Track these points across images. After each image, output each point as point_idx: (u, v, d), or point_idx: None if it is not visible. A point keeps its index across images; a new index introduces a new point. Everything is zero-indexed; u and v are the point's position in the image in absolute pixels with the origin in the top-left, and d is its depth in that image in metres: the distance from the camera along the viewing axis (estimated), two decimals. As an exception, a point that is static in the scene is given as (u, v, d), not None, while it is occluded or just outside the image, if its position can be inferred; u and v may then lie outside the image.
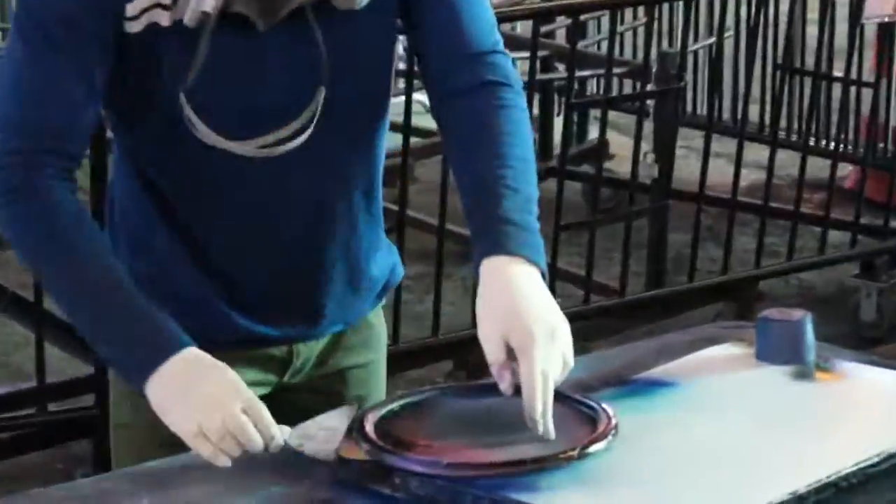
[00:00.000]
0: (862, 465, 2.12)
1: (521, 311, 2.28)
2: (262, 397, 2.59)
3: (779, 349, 2.48)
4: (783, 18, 6.58)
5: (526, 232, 2.38)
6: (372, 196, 2.62)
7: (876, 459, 2.14)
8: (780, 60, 6.63)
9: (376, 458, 2.13)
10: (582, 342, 5.42)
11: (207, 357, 2.27)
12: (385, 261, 2.75)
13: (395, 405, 2.29)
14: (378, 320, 2.81)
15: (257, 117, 2.36)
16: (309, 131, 2.37)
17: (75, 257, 2.31)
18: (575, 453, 2.11)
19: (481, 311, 2.35)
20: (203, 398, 2.20)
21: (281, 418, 2.29)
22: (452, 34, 2.50)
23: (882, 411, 2.33)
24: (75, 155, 2.36)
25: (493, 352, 2.28)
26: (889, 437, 2.19)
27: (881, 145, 6.47)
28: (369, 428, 2.20)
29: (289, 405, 2.52)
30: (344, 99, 2.40)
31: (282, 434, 2.23)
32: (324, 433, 2.21)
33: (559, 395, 2.30)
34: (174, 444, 2.30)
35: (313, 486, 2.15)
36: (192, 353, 2.26)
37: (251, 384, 2.49)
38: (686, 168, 6.01)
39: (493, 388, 2.40)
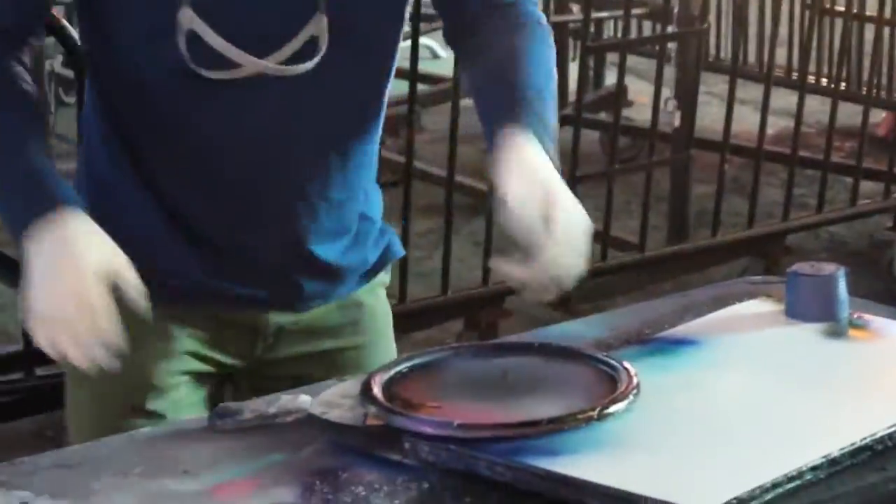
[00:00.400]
0: (887, 432, 2.13)
1: (559, 195, 2.35)
2: (228, 375, 2.68)
3: (810, 306, 2.48)
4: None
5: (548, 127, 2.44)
6: (368, 163, 2.67)
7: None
8: (808, 0, 6.61)
9: (386, 422, 2.14)
10: (599, 300, 5.48)
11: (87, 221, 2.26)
12: (379, 239, 2.74)
13: (403, 367, 2.29)
14: (373, 299, 2.79)
15: (259, 30, 2.37)
16: (316, 59, 2.38)
17: None
18: (594, 414, 2.11)
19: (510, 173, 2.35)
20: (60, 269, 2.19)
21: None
22: None
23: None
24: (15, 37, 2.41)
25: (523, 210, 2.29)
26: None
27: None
28: (376, 390, 2.20)
29: (258, 390, 2.50)
30: (348, 25, 2.41)
31: (304, 402, 2.25)
32: (349, 401, 2.21)
33: (577, 354, 2.31)
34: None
35: (315, 454, 2.15)
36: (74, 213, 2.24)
37: (212, 354, 2.61)
38: (709, 115, 6.01)
39: (506, 348, 2.42)
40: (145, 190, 2.49)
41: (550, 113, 2.47)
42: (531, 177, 2.33)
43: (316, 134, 2.51)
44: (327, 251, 2.60)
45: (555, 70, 2.56)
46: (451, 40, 2.70)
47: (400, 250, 2.81)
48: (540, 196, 2.30)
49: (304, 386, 2.39)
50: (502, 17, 2.56)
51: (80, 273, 2.16)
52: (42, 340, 2.16)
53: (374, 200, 2.72)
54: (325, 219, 2.58)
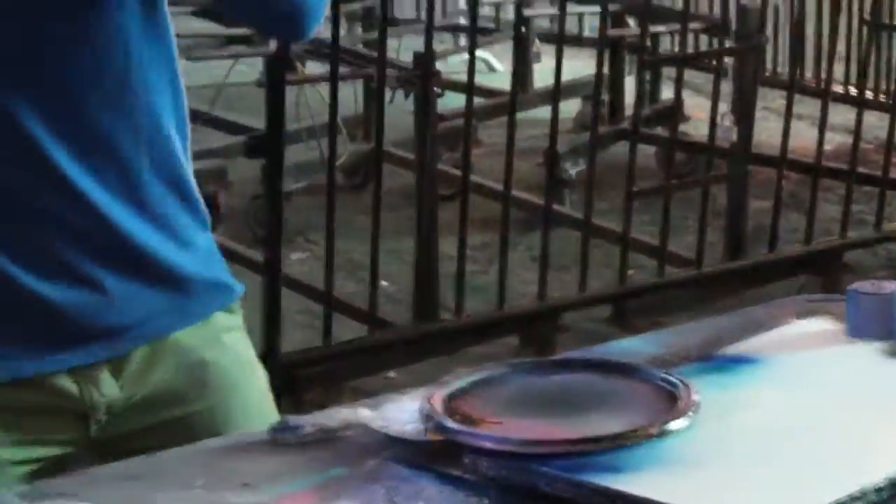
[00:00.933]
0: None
1: None
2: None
3: (870, 324, 2.47)
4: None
5: None
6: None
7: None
8: (867, 16, 6.60)
9: (447, 437, 2.16)
10: (656, 316, 5.48)
11: None
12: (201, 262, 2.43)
13: (463, 383, 2.30)
14: (216, 352, 2.49)
15: None
16: None
17: None
18: (655, 430, 2.11)
19: None
20: None
21: None
22: None
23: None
24: None
25: None
26: None
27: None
28: (437, 406, 2.21)
29: None
30: None
31: (364, 416, 2.26)
32: (410, 416, 2.23)
33: (636, 370, 2.32)
34: None
35: (376, 468, 2.16)
36: None
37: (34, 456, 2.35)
38: (766, 131, 6.00)
39: (565, 365, 2.42)
40: None
41: None
42: None
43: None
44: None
45: None
46: None
47: (237, 289, 2.49)
48: None
49: (364, 400, 2.41)
50: None
51: None
52: None
53: None
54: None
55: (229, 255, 2.68)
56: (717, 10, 6.71)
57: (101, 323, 2.31)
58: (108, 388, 2.36)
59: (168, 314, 2.39)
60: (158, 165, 2.32)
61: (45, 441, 2.37)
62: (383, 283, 5.24)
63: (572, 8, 6.22)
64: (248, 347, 2.56)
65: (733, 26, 6.05)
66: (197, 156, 2.60)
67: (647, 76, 6.50)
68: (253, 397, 2.57)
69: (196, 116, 2.40)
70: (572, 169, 6.36)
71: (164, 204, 2.34)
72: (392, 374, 5.22)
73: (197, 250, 2.41)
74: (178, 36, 2.33)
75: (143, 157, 2.30)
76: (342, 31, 5.27)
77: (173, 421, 2.44)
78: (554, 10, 6.28)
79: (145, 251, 2.32)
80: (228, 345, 2.51)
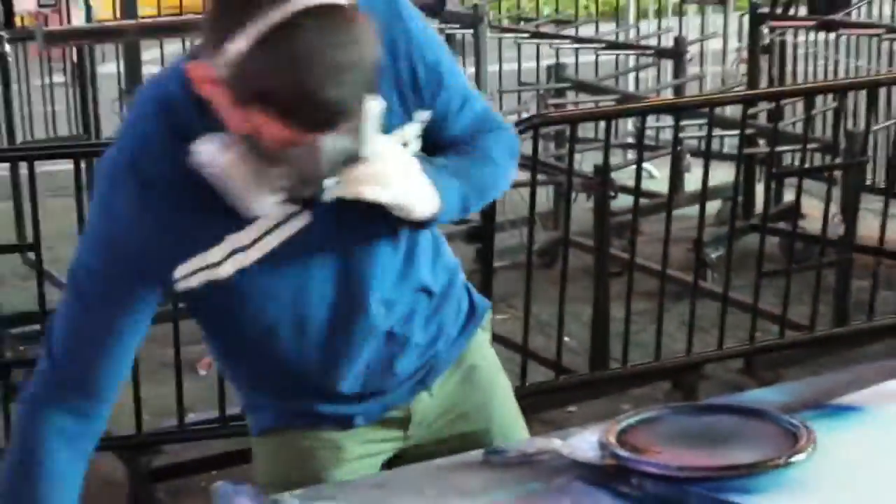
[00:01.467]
0: None
1: None
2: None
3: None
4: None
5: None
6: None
7: None
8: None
9: (619, 463, 2.14)
10: (779, 369, 5.42)
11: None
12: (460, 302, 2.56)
13: (632, 420, 2.29)
14: (480, 359, 2.60)
15: None
16: None
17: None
18: (781, 461, 2.10)
19: None
20: None
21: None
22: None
23: None
24: (84, 403, 2.25)
25: None
26: None
27: None
28: (612, 438, 2.20)
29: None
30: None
31: (556, 444, 2.25)
32: (591, 444, 2.22)
33: (766, 414, 2.29)
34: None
35: (564, 485, 2.16)
36: None
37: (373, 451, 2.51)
38: (867, 227, 5.88)
39: (710, 408, 2.40)
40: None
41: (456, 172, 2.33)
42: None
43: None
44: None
45: (490, 156, 2.42)
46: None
47: (484, 303, 2.63)
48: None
49: (554, 432, 2.39)
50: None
51: None
52: None
53: (437, 274, 2.47)
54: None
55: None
56: (829, 133, 6.60)
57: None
58: (425, 402, 2.51)
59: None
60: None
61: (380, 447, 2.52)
62: (566, 338, 5.23)
63: (716, 131, 6.19)
64: (494, 354, 2.67)
65: (843, 146, 5.96)
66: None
67: (773, 184, 6.41)
68: (505, 393, 2.67)
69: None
70: (714, 254, 6.31)
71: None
72: (572, 408, 5.21)
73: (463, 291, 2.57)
74: None
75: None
76: (539, 148, 5.28)
77: (456, 419, 2.55)
78: (702, 133, 6.22)
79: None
80: (485, 352, 2.62)
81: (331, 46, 1.89)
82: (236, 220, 2.11)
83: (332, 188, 2.06)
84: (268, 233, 2.17)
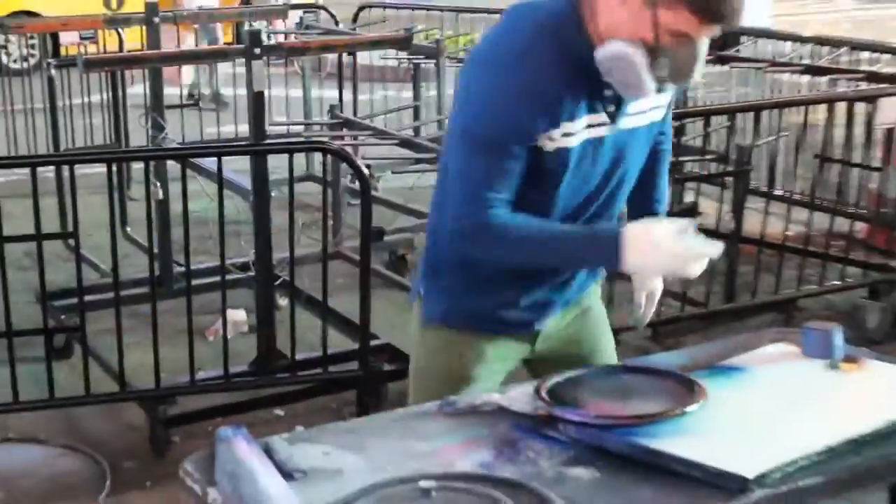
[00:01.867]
0: (874, 429, 2.09)
1: None
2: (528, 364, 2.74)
3: (817, 349, 2.45)
4: (820, 124, 6.46)
5: None
6: None
7: (884, 425, 2.11)
8: (818, 152, 6.51)
9: (549, 413, 2.15)
10: (678, 338, 5.43)
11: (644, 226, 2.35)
12: None
13: (559, 378, 2.30)
14: (594, 301, 2.79)
15: None
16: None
17: (523, 236, 2.36)
18: (678, 411, 2.11)
19: None
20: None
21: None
22: None
23: (885, 392, 2.30)
24: (506, 203, 2.37)
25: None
26: (890, 411, 2.16)
27: (884, 210, 6.32)
28: (543, 393, 2.21)
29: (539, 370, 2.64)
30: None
31: (497, 398, 2.25)
32: (526, 398, 2.23)
33: (669, 373, 2.30)
34: (456, 382, 2.51)
35: (504, 431, 2.16)
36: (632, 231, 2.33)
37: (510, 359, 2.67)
38: (751, 223, 5.91)
39: (623, 369, 2.41)
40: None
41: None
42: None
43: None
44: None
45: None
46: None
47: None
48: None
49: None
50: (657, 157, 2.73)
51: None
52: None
53: None
54: None
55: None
56: (722, 146, 6.63)
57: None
58: (554, 324, 2.66)
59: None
60: None
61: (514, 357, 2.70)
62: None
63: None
64: (601, 301, 2.86)
65: (733, 157, 5.99)
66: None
67: (678, 188, 6.43)
68: (608, 331, 2.84)
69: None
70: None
71: None
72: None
73: None
74: None
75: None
76: None
77: (570, 343, 2.71)
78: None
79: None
80: (597, 299, 2.82)
81: None
82: (573, 113, 2.34)
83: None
84: (586, 128, 2.37)
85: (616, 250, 2.26)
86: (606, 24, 2.28)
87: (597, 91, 2.34)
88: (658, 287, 2.62)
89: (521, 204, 2.37)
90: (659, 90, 2.33)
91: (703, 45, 2.30)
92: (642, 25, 2.22)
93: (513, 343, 2.62)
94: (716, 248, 2.28)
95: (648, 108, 2.46)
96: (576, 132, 2.34)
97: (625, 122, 2.41)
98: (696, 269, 2.31)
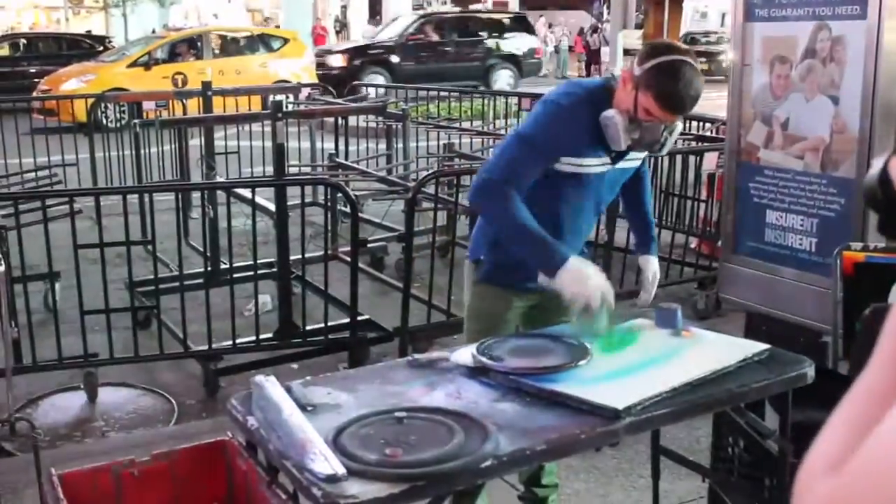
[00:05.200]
0: (702, 375, 2.09)
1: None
2: (531, 308, 2.68)
3: (665, 322, 2.45)
4: (665, 169, 6.51)
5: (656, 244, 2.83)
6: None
7: (709, 373, 2.11)
8: (663, 188, 6.55)
9: (483, 365, 2.13)
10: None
11: (583, 262, 2.32)
12: None
13: (490, 341, 2.27)
14: None
15: None
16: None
17: (516, 219, 2.33)
18: (573, 364, 2.09)
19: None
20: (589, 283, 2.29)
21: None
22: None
23: (712, 351, 2.29)
24: (522, 191, 2.38)
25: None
26: (714, 363, 2.15)
27: (709, 229, 6.37)
28: (480, 351, 2.18)
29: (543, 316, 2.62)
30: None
31: (449, 355, 2.22)
32: (469, 355, 2.21)
33: (565, 337, 2.28)
34: (496, 319, 2.56)
35: (452, 378, 2.14)
36: (574, 261, 2.31)
37: (526, 304, 2.65)
38: (620, 236, 5.93)
39: (538, 335, 2.38)
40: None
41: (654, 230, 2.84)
42: (654, 270, 2.78)
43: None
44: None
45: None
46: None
47: None
48: (654, 277, 2.78)
49: (447, 349, 2.37)
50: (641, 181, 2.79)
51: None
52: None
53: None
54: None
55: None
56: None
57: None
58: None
59: None
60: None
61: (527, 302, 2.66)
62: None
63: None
64: None
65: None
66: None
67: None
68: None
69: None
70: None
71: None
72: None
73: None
74: None
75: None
76: (440, 189, 5.13)
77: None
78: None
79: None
80: None
81: (695, 78, 2.29)
82: (585, 152, 2.43)
83: (663, 149, 2.48)
84: (591, 165, 2.46)
85: (558, 268, 2.28)
86: (617, 98, 2.39)
87: (606, 143, 2.44)
88: (657, 271, 2.74)
89: (537, 201, 2.42)
90: (630, 149, 2.44)
91: (674, 126, 2.42)
92: (629, 101, 2.35)
93: (528, 295, 2.62)
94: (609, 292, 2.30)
95: (634, 159, 2.58)
96: (586, 165, 2.45)
97: (620, 164, 2.53)
98: (599, 299, 2.30)
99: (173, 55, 15.74)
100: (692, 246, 6.58)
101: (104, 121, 11.67)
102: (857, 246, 3.35)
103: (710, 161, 6.05)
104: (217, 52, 16.21)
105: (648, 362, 2.17)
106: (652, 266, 2.79)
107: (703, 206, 6.37)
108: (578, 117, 2.39)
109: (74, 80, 14.45)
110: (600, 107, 2.40)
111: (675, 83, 2.27)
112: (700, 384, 2.07)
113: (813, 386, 2.17)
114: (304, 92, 10.31)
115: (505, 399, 2.00)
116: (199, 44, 16.11)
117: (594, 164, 2.46)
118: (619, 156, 2.50)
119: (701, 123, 7.88)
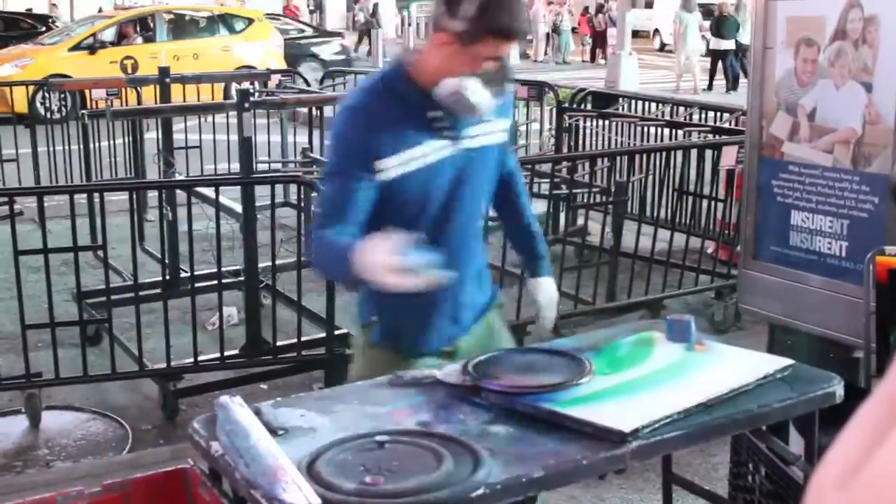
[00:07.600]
0: (719, 394, 2.12)
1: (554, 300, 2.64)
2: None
3: (677, 335, 2.47)
4: (678, 166, 6.55)
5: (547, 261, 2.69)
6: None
7: (726, 391, 2.14)
8: (676, 187, 6.60)
9: (474, 384, 2.15)
10: (573, 328, 5.47)
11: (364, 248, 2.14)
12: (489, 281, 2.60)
13: (484, 357, 2.30)
14: (494, 320, 2.60)
15: None
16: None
17: (329, 255, 2.27)
18: (573, 382, 2.12)
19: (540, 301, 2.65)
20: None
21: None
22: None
23: (729, 367, 2.31)
24: (350, 227, 2.26)
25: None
26: (732, 381, 2.18)
27: (727, 232, 6.42)
28: (470, 368, 2.21)
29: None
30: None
31: (435, 373, 2.24)
32: (457, 373, 2.23)
33: (566, 353, 2.31)
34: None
35: (440, 398, 2.15)
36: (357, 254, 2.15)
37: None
38: (627, 241, 5.98)
39: (531, 350, 2.41)
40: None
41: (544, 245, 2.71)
42: (551, 295, 2.64)
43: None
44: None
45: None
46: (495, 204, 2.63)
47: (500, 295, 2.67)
48: (551, 302, 2.65)
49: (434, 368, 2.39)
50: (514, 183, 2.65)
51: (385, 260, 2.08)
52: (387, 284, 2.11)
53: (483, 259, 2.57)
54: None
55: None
56: (605, 181, 6.69)
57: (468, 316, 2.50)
58: (465, 342, 2.50)
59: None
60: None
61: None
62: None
63: (536, 179, 6.23)
64: (501, 319, 2.67)
65: (613, 190, 6.05)
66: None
67: (571, 213, 6.48)
68: (508, 340, 2.63)
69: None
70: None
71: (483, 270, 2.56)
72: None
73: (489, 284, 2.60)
74: None
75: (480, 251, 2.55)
76: None
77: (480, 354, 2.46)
78: (527, 181, 6.29)
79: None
80: (495, 317, 2.61)
81: (518, 4, 2.25)
82: (411, 141, 2.28)
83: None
84: (424, 155, 2.30)
85: (350, 260, 2.14)
86: (435, 69, 2.25)
87: (428, 123, 2.29)
88: (555, 293, 2.63)
89: (383, 225, 2.26)
90: (494, 100, 2.28)
91: (509, 61, 2.30)
92: (463, 62, 2.21)
93: (435, 360, 2.44)
94: (427, 264, 2.07)
95: (486, 132, 2.40)
96: (418, 157, 2.29)
97: (466, 143, 2.34)
98: (410, 281, 2.06)
99: (122, 37, 15.66)
100: (708, 251, 6.64)
101: (43, 111, 11.65)
102: (893, 250, 3.37)
103: (729, 156, 6.10)
104: (172, 33, 16.13)
105: (658, 380, 2.19)
106: (546, 290, 2.62)
107: (720, 206, 6.42)
108: (373, 110, 2.27)
109: (8, 66, 14.39)
110: (398, 90, 2.29)
111: (502, 11, 2.20)
112: (716, 404, 2.09)
113: (842, 406, 2.19)
114: (274, 79, 10.30)
115: (498, 421, 2.02)
116: (151, 24, 16.08)
117: (429, 153, 2.31)
118: (458, 133, 2.33)
119: (718, 114, 7.95)
